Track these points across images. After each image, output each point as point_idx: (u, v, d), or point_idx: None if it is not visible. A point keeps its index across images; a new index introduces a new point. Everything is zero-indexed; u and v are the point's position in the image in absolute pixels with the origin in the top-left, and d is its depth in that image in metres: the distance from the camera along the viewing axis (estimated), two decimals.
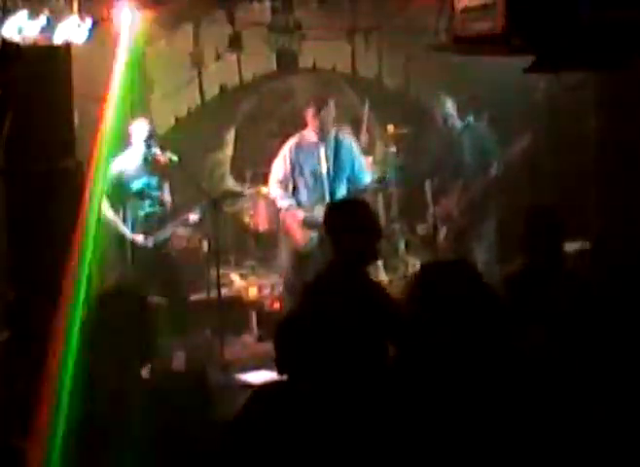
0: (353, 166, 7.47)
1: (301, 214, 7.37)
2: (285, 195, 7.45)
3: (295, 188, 7.46)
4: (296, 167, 7.43)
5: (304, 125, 7.53)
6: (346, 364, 3.86)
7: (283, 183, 7.46)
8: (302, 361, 3.34)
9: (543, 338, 3.07)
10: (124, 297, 3.43)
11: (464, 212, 7.73)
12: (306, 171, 7.41)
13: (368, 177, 7.58)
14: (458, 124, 7.73)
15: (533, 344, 3.04)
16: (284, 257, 7.63)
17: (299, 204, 7.43)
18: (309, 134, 7.45)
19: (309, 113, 7.41)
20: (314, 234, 7.29)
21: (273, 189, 7.54)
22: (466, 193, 7.70)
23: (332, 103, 7.46)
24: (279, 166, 7.51)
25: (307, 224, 7.31)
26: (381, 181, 7.90)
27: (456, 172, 7.74)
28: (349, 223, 4.35)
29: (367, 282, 4.37)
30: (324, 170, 7.39)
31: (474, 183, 7.67)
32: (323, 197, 7.38)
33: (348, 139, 7.68)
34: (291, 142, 7.53)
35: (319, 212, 7.28)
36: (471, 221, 7.73)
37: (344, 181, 7.43)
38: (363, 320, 4.09)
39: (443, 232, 7.86)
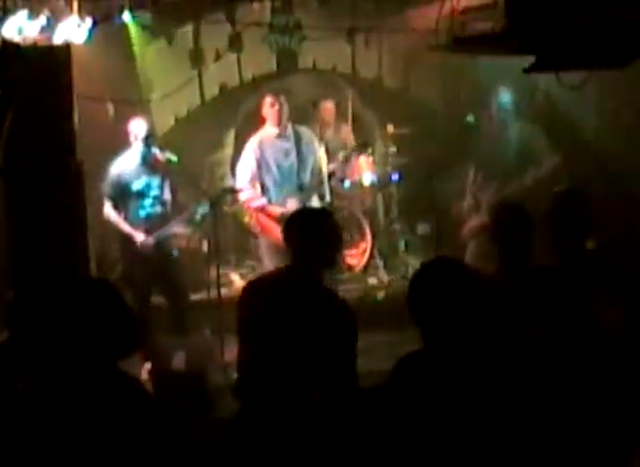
0: (315, 157, 7.48)
1: (277, 210, 7.36)
2: (256, 194, 7.42)
3: (262, 186, 7.43)
4: (262, 164, 7.39)
5: (263, 122, 7.53)
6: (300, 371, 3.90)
7: (252, 183, 7.42)
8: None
9: (552, 334, 3.08)
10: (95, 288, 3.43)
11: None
12: (273, 167, 7.40)
13: (324, 167, 7.61)
14: (511, 118, 7.64)
15: (542, 341, 3.04)
16: (265, 257, 7.60)
17: (269, 201, 7.41)
18: (269, 130, 7.43)
19: (265, 106, 7.38)
20: None
21: (245, 188, 7.45)
22: (499, 191, 7.63)
23: (283, 97, 7.47)
24: (245, 167, 7.43)
25: (284, 219, 7.34)
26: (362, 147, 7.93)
27: (498, 168, 7.65)
28: (307, 232, 4.26)
29: (323, 291, 4.27)
30: (290, 163, 7.40)
31: (508, 184, 7.59)
32: (292, 191, 7.40)
33: (307, 131, 7.67)
34: (252, 141, 7.46)
35: (292, 206, 7.30)
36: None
37: (309, 172, 7.44)
38: (318, 327, 4.08)
39: (472, 221, 7.83)
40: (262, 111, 7.42)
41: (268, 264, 7.57)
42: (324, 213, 4.62)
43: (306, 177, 7.42)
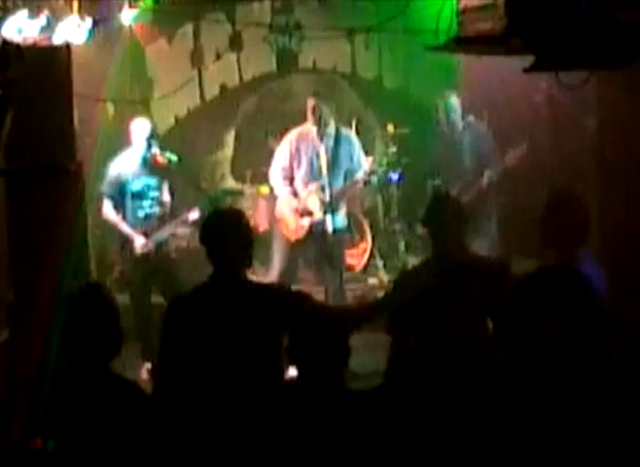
0: (352, 160, 7.49)
1: (294, 204, 7.42)
2: (285, 185, 7.49)
3: (292, 178, 7.50)
4: (295, 158, 7.47)
5: (306, 119, 7.55)
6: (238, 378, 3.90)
7: (284, 171, 7.50)
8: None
9: (559, 334, 3.08)
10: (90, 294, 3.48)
11: None
12: (303, 162, 7.45)
13: (363, 171, 7.61)
14: (460, 120, 7.72)
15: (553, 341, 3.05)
16: (276, 248, 7.65)
17: (294, 195, 7.47)
18: (309, 127, 7.48)
19: (309, 106, 7.44)
20: (306, 224, 7.36)
21: (275, 176, 7.55)
22: (464, 194, 7.69)
23: (327, 99, 7.51)
24: (282, 154, 7.54)
25: (301, 214, 7.40)
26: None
27: (456, 172, 7.74)
28: (218, 232, 4.27)
29: (251, 288, 4.27)
30: (320, 163, 7.42)
31: (472, 184, 7.67)
32: (318, 189, 7.42)
33: (349, 133, 7.69)
34: (294, 132, 7.56)
35: (312, 204, 7.35)
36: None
37: (342, 174, 7.45)
38: (254, 327, 4.09)
39: None
40: (306, 110, 7.45)
41: (277, 255, 7.60)
42: (234, 213, 4.60)
43: (339, 178, 7.45)
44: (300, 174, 7.47)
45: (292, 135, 7.52)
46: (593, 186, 7.25)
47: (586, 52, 3.96)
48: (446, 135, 7.78)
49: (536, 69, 4.14)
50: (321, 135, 7.39)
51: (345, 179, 7.46)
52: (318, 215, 7.38)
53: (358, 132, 9.15)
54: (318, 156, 7.41)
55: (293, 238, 7.46)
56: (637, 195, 6.65)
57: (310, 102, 7.43)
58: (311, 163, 7.44)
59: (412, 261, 8.67)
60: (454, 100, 7.73)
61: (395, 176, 8.78)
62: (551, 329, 3.07)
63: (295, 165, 7.47)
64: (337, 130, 7.50)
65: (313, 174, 7.45)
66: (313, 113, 7.37)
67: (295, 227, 7.44)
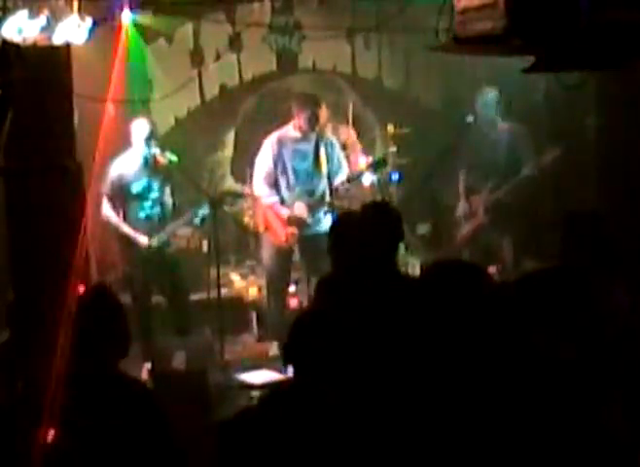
0: (332, 163, 7.46)
1: (284, 211, 7.36)
2: (271, 192, 7.43)
3: (276, 184, 7.44)
4: (279, 163, 7.40)
5: (287, 120, 7.51)
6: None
7: (268, 179, 7.43)
8: (321, 358, 3.36)
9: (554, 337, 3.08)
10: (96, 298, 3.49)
11: (488, 210, 7.73)
12: (289, 168, 7.40)
13: (344, 173, 7.56)
14: (495, 116, 7.67)
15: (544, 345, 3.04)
16: (266, 255, 7.63)
17: (282, 201, 7.43)
18: (291, 130, 7.42)
19: (301, 111, 7.33)
20: (295, 231, 7.32)
21: (259, 186, 7.48)
22: (494, 191, 7.68)
23: (324, 105, 7.49)
24: (264, 162, 7.45)
25: (290, 221, 7.34)
26: (379, 165, 7.86)
27: (489, 169, 7.70)
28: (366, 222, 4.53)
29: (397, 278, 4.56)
30: (305, 167, 7.39)
31: (504, 183, 7.64)
32: (302, 194, 7.39)
33: (329, 136, 7.66)
34: (272, 137, 7.47)
35: (299, 209, 7.30)
36: (494, 220, 7.73)
37: (324, 177, 7.43)
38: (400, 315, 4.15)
39: (465, 227, 7.90)
40: (293, 110, 7.39)
41: (267, 262, 7.59)
42: (384, 206, 4.78)
43: (319, 183, 7.41)
44: (284, 180, 7.41)
45: (271, 140, 7.42)
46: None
47: (586, 52, 3.96)
48: (480, 132, 7.73)
49: (536, 69, 4.14)
50: (304, 139, 7.33)
51: (329, 181, 7.43)
52: (309, 220, 7.35)
53: (359, 133, 9.23)
54: (301, 160, 7.37)
55: (283, 244, 7.40)
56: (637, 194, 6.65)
57: (303, 108, 7.31)
58: (294, 168, 7.39)
59: (412, 261, 8.66)
60: (493, 96, 7.67)
61: (395, 176, 8.77)
62: (546, 332, 3.06)
63: (279, 171, 7.39)
64: (318, 134, 7.43)
65: (297, 179, 7.40)
66: (302, 119, 7.24)
67: (284, 235, 7.39)
